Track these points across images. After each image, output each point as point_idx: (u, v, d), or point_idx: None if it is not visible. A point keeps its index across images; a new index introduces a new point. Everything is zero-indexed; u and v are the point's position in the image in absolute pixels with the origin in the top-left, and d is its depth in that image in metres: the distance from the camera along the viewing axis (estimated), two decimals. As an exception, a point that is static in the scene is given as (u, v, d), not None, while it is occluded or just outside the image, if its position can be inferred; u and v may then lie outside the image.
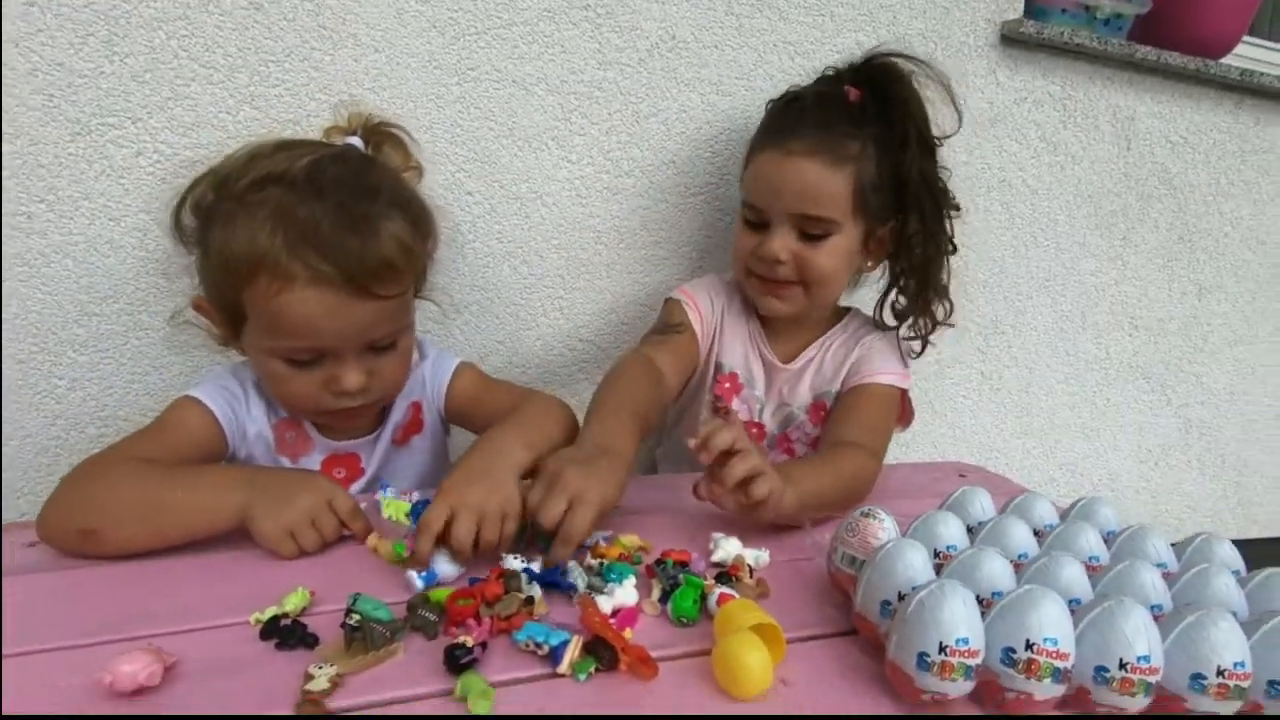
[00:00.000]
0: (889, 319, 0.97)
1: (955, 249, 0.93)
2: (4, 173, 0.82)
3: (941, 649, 0.45)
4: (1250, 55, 1.61)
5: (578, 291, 1.11)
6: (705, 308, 0.96)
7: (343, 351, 0.68)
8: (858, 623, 0.55)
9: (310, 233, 0.63)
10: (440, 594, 0.55)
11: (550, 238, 1.07)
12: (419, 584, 0.57)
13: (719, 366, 0.98)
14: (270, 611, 0.53)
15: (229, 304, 0.67)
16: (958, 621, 0.45)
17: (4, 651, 0.48)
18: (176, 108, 0.87)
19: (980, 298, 1.34)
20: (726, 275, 1.01)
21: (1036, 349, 1.41)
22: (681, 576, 0.59)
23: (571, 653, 0.49)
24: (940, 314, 0.95)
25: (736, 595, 0.57)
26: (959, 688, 0.46)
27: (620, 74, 1.04)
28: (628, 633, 0.52)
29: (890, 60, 0.89)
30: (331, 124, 0.79)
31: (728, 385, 0.98)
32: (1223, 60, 1.33)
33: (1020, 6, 1.20)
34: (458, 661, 0.48)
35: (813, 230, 0.86)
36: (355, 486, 0.81)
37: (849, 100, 0.87)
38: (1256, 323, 1.55)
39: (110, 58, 0.83)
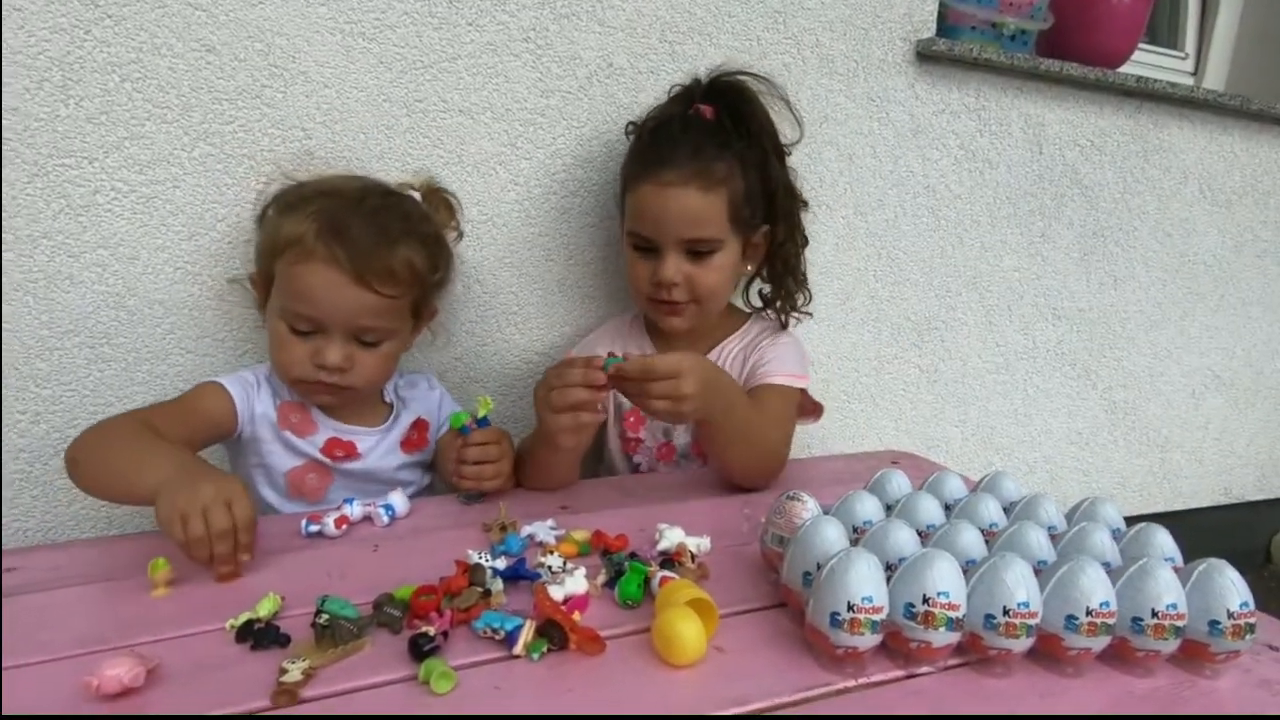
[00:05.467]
0: (756, 302, 1.11)
1: (807, 241, 1.07)
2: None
3: (850, 607, 0.52)
4: (1148, 61, 1.75)
5: (531, 307, 1.16)
6: None
7: (332, 330, 0.82)
8: (784, 594, 0.61)
9: (339, 228, 0.81)
10: (404, 591, 0.60)
11: (503, 257, 1.12)
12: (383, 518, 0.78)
13: (620, 405, 1.06)
14: (244, 616, 0.57)
15: (266, 270, 0.86)
16: (863, 582, 0.52)
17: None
18: (132, 147, 0.90)
19: (913, 296, 1.43)
20: (624, 316, 1.13)
21: (968, 342, 1.50)
22: (627, 564, 0.64)
23: (525, 636, 0.54)
24: (800, 301, 1.08)
25: (677, 578, 0.63)
26: (867, 641, 0.52)
27: (562, 100, 1.10)
28: (577, 616, 0.58)
29: (738, 79, 1.00)
30: (401, 180, 0.97)
31: (632, 419, 1.07)
32: (1120, 69, 1.45)
33: (933, 26, 1.30)
34: (421, 649, 0.53)
35: (700, 249, 0.95)
36: (349, 465, 0.91)
37: (706, 119, 0.96)
38: (1167, 308, 1.67)
39: (65, 101, 0.86)
